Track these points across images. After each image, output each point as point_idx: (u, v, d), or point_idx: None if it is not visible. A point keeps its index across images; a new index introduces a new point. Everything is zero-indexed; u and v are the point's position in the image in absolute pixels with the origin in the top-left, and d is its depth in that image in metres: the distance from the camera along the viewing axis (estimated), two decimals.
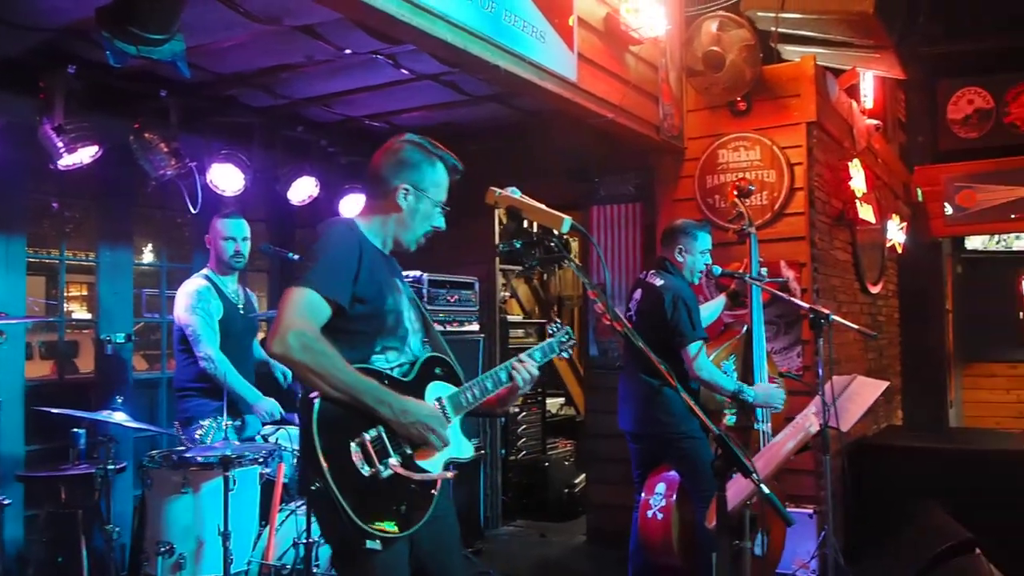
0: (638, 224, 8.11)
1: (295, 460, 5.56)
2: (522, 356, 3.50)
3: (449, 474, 3.29)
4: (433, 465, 3.22)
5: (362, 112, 7.78)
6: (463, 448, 3.39)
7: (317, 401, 3.00)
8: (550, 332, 3.74)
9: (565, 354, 3.78)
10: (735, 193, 6.56)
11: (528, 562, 7.82)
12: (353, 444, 3.01)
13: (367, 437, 3.04)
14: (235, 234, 5.92)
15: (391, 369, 3.28)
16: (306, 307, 3.05)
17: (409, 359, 3.37)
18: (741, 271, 6.25)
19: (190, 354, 5.71)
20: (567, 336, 3.75)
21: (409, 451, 3.15)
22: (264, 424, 5.82)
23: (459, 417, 3.38)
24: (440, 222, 3.51)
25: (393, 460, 3.07)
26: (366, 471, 3.01)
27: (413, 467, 3.14)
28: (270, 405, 5.80)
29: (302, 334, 2.98)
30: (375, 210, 3.47)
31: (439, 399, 3.33)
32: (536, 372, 3.50)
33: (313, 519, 4.91)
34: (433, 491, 3.22)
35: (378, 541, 2.98)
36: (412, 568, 3.25)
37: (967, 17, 11.62)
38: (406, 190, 3.39)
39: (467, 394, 3.39)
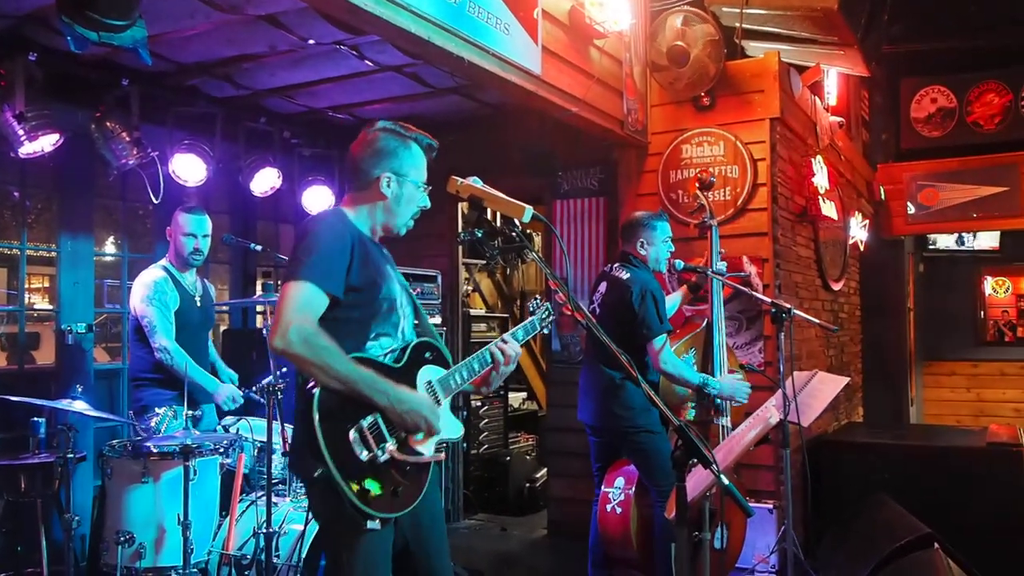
0: (601, 219, 8.09)
1: (255, 450, 5.55)
2: (505, 336, 3.63)
3: (441, 456, 3.43)
4: (426, 448, 3.36)
5: (325, 104, 7.76)
6: (453, 428, 3.50)
7: (316, 391, 3.11)
8: (531, 310, 3.88)
9: (547, 329, 3.90)
10: (697, 185, 6.58)
11: (489, 555, 7.82)
12: (352, 431, 3.13)
13: (364, 424, 3.16)
14: (195, 231, 5.88)
15: (384, 356, 3.39)
16: (304, 301, 3.17)
17: (401, 345, 3.49)
18: (703, 265, 6.28)
19: (145, 344, 5.68)
20: (547, 312, 3.88)
21: (403, 435, 3.27)
22: (227, 412, 5.80)
23: (448, 399, 3.51)
24: (425, 201, 3.64)
25: (389, 445, 3.20)
26: (364, 456, 3.13)
27: (408, 450, 3.28)
28: (231, 391, 5.79)
29: (302, 328, 3.09)
30: (361, 200, 3.56)
31: (429, 382, 3.45)
32: (519, 350, 3.63)
33: (273, 508, 4.95)
34: (426, 472, 3.39)
35: (378, 521, 3.14)
36: (397, 544, 3.41)
37: (931, 16, 11.68)
38: (388, 178, 3.51)
39: (455, 376, 3.52)
